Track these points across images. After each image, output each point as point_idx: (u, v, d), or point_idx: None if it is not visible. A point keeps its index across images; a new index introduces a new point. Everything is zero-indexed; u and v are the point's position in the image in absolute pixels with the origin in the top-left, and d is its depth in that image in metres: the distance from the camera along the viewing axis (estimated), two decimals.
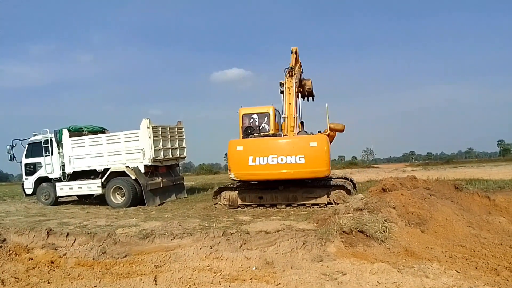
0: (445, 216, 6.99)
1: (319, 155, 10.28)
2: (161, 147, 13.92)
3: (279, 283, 4.65)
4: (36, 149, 15.24)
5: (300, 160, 10.32)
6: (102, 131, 15.73)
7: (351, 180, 12.50)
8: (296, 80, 11.77)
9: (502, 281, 4.33)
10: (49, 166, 14.91)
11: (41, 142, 15.07)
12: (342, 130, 11.26)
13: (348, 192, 10.80)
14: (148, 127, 13.38)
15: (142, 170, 13.58)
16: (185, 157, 15.77)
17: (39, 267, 5.97)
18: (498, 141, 59.57)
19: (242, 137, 11.50)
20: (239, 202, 11.54)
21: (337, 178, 12.12)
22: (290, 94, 11.51)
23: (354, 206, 7.38)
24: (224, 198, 11.72)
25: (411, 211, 7.05)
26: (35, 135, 15.58)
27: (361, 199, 8.15)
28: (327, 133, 11.03)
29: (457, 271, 4.68)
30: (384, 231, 5.91)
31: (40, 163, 15.23)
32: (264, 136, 11.06)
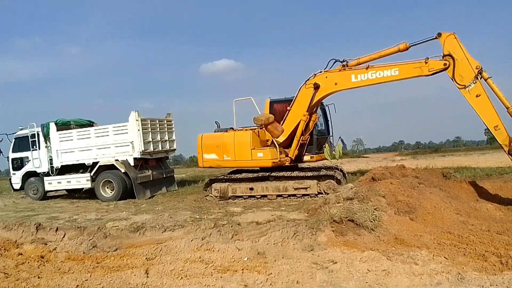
0: (434, 204, 7.09)
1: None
2: (151, 139, 13.81)
3: (271, 273, 4.68)
4: (23, 143, 15.00)
5: None
6: (90, 124, 15.55)
7: (341, 170, 12.57)
8: None
9: (489, 267, 4.41)
10: (37, 161, 14.71)
11: (28, 136, 14.82)
12: (261, 124, 10.83)
13: (338, 182, 10.86)
14: (137, 120, 13.25)
15: (132, 163, 13.46)
16: (175, 149, 15.67)
17: (28, 262, 5.93)
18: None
19: None
20: (230, 193, 11.55)
21: (327, 168, 12.16)
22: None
23: (344, 196, 7.43)
24: (215, 190, 11.71)
25: (400, 199, 7.13)
26: (21, 129, 15.32)
27: (351, 188, 8.21)
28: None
29: (445, 258, 4.75)
30: (373, 220, 5.96)
31: (27, 157, 15.00)
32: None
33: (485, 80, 8.20)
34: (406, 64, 9.14)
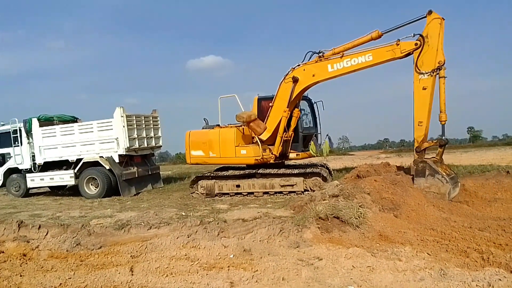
0: (417, 201, 7.19)
1: None
2: (136, 136, 13.66)
3: (257, 270, 4.69)
4: (5, 139, 14.68)
5: None
6: (74, 120, 15.30)
7: (327, 167, 12.65)
8: None
9: (471, 263, 4.50)
10: (19, 157, 14.43)
11: (9, 132, 14.52)
12: (243, 121, 10.88)
13: (324, 179, 10.93)
14: (122, 116, 13.08)
15: (117, 160, 13.31)
16: (161, 146, 15.55)
17: (10, 260, 5.82)
18: (468, 128, 61.27)
19: None
20: (217, 190, 11.53)
21: (313, 165, 12.22)
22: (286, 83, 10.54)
23: (330, 193, 7.47)
24: (201, 187, 11.67)
25: (384, 196, 7.21)
26: (3, 125, 15.00)
27: (337, 185, 8.26)
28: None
29: (428, 254, 4.83)
30: (358, 217, 6.02)
31: (9, 153, 14.69)
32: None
33: (439, 77, 8.22)
34: (379, 48, 9.07)
